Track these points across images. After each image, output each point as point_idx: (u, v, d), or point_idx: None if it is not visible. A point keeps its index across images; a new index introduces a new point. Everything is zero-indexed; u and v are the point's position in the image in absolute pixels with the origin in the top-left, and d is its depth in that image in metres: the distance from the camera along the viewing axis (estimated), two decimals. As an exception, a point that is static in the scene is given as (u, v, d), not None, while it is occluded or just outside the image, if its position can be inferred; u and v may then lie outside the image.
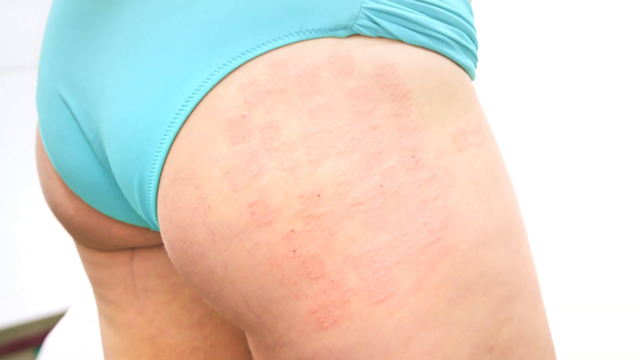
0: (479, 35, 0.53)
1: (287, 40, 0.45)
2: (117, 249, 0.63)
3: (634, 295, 0.86)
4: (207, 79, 0.46)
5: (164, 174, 0.47)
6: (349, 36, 0.46)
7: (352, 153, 0.44)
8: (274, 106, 0.45)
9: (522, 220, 0.50)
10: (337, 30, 0.45)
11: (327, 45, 0.45)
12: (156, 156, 0.47)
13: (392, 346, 0.44)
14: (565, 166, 1.03)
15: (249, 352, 0.66)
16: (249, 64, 0.45)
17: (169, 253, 0.49)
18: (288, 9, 0.45)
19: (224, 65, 0.45)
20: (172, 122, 0.47)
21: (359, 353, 0.44)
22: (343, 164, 0.44)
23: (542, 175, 1.02)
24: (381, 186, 0.44)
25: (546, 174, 1.02)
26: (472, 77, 0.51)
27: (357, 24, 0.45)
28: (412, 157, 0.45)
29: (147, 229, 0.61)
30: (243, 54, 0.45)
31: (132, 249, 0.63)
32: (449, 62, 0.48)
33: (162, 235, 0.49)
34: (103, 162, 0.54)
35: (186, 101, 0.46)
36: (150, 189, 0.49)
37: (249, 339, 0.49)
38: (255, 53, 0.45)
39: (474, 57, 0.51)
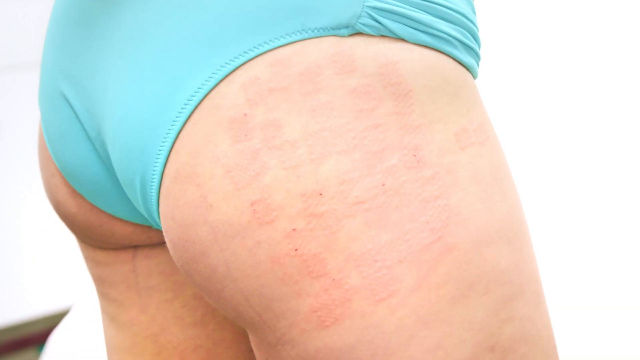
0: (481, 34, 0.53)
1: (289, 39, 0.45)
2: (119, 247, 0.64)
3: (636, 295, 0.86)
4: (209, 77, 0.46)
5: (166, 172, 0.47)
6: (351, 35, 0.46)
7: (354, 151, 0.44)
8: (276, 105, 0.45)
9: (524, 219, 0.50)
10: (340, 29, 0.45)
11: (329, 44, 0.45)
12: (158, 154, 0.48)
13: (393, 345, 0.44)
14: (567, 166, 1.03)
15: (251, 350, 0.66)
16: (251, 62, 0.45)
17: (171, 251, 0.49)
18: (290, 7, 0.45)
19: (225, 64, 0.45)
20: (174, 121, 0.47)
21: (361, 352, 0.44)
22: (345, 163, 0.44)
23: (544, 174, 1.02)
24: (383, 185, 0.44)
25: (548, 174, 1.02)
26: (474, 76, 0.51)
27: (360, 23, 0.45)
28: (414, 155, 0.45)
29: (149, 227, 0.61)
30: (245, 52, 0.45)
31: (135, 247, 0.64)
32: (451, 60, 0.48)
33: (164, 234, 0.49)
34: (105, 160, 0.54)
35: (188, 100, 0.46)
36: (153, 187, 0.49)
37: (251, 338, 0.49)
38: (257, 52, 0.45)
39: (477, 56, 0.51)
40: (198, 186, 0.45)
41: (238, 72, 0.45)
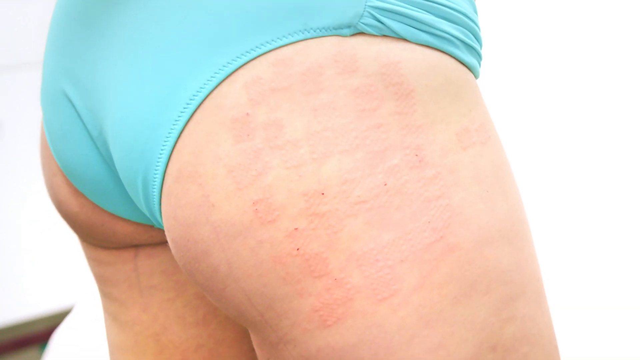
0: (483, 34, 0.53)
1: (291, 39, 0.45)
2: (121, 247, 0.64)
3: (637, 294, 0.86)
4: (211, 77, 0.46)
5: (168, 171, 0.48)
6: (353, 35, 0.46)
7: (356, 151, 0.44)
8: (278, 104, 0.45)
9: (526, 219, 0.50)
10: (342, 28, 0.45)
11: (331, 44, 0.45)
12: (160, 154, 0.48)
13: (395, 344, 0.44)
14: (569, 165, 1.03)
15: (253, 349, 0.66)
16: (253, 62, 0.45)
17: (173, 251, 0.49)
18: (292, 7, 0.45)
19: (227, 63, 0.46)
20: (176, 120, 0.47)
21: (362, 351, 0.44)
22: (347, 162, 0.44)
23: (545, 174, 1.02)
24: (385, 184, 0.44)
25: (549, 173, 1.02)
26: (476, 76, 0.51)
27: (362, 23, 0.46)
28: (416, 155, 0.45)
29: (151, 226, 0.61)
30: (247, 52, 0.45)
31: (136, 246, 0.64)
32: (453, 60, 0.48)
33: (166, 233, 0.49)
34: (107, 160, 0.54)
35: (190, 99, 0.46)
36: (154, 186, 0.49)
37: (253, 337, 0.50)
38: (259, 51, 0.45)
39: (479, 56, 0.51)
40: (200, 186, 0.45)
41: (240, 71, 0.45)
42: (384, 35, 0.46)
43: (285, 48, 0.45)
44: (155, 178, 0.48)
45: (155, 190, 0.49)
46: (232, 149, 0.45)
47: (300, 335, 0.45)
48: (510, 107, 1.11)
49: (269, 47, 0.45)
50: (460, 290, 0.45)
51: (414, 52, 0.46)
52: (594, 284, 0.88)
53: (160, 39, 0.47)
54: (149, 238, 0.62)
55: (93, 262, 0.66)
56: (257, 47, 0.45)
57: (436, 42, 0.47)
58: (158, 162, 0.48)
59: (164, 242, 0.63)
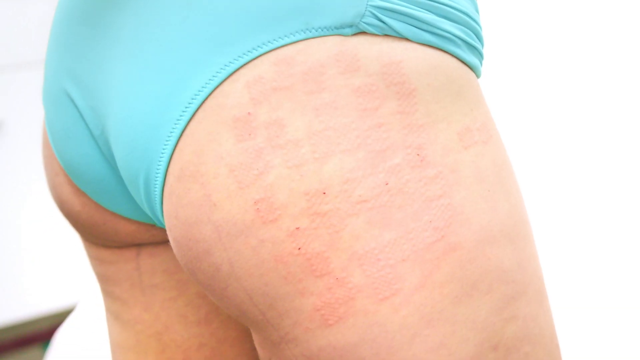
0: (484, 34, 0.53)
1: (292, 38, 0.45)
2: (123, 246, 0.64)
3: (638, 294, 0.85)
4: (213, 76, 0.46)
5: (169, 171, 0.48)
6: (354, 34, 0.46)
7: (358, 151, 0.44)
8: (280, 104, 0.45)
9: (527, 218, 0.50)
10: (343, 28, 0.46)
11: (333, 43, 0.45)
12: (162, 153, 0.48)
13: (396, 343, 0.44)
14: (570, 165, 1.02)
15: (255, 348, 0.66)
16: (255, 61, 0.45)
17: (175, 250, 0.49)
18: (293, 7, 0.45)
19: (229, 63, 0.46)
20: (178, 120, 0.47)
21: (364, 350, 0.44)
22: (349, 162, 0.44)
23: (547, 173, 1.02)
24: (386, 184, 0.44)
25: (551, 173, 1.02)
26: (478, 75, 0.51)
27: (363, 22, 0.46)
28: (418, 154, 0.45)
29: (153, 225, 0.61)
30: (249, 51, 0.45)
31: (138, 245, 0.64)
32: (455, 60, 0.48)
33: (168, 232, 0.49)
34: (109, 159, 0.55)
35: (192, 99, 0.46)
36: (156, 185, 0.49)
37: (254, 336, 0.50)
38: (261, 51, 0.45)
39: (480, 55, 0.51)
40: (202, 185, 0.46)
41: (242, 71, 0.45)
42: (386, 35, 0.46)
43: (286, 47, 0.45)
44: (157, 177, 0.49)
45: (157, 189, 0.49)
46: (234, 149, 0.45)
47: (302, 334, 0.45)
48: (511, 107, 1.11)
49: (270, 46, 0.45)
50: (462, 289, 0.45)
51: (416, 52, 0.46)
52: (595, 283, 0.88)
53: (162, 38, 0.47)
54: (150, 237, 0.62)
55: (95, 261, 0.66)
56: (258, 46, 0.45)
57: (438, 42, 0.47)
58: (160, 161, 0.48)
59: (165, 241, 0.63)
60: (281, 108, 0.45)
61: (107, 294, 0.67)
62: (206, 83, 0.46)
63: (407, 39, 0.46)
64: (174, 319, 0.65)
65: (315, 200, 0.44)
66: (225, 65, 0.46)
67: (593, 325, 0.83)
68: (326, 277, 0.44)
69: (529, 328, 0.47)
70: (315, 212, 0.44)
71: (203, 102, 0.46)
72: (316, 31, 0.45)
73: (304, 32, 0.45)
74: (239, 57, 0.45)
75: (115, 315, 0.66)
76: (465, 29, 0.49)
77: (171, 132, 0.47)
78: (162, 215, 0.50)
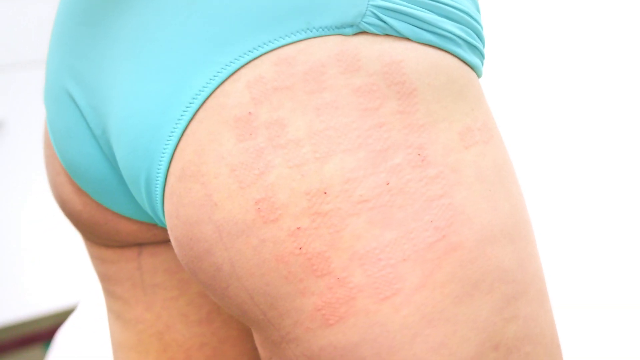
0: (485, 33, 0.53)
1: (293, 38, 0.45)
2: (124, 245, 0.64)
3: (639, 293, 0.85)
4: (214, 76, 0.46)
5: (170, 170, 0.48)
6: (355, 34, 0.46)
7: (359, 150, 0.44)
8: (281, 103, 0.45)
9: (528, 218, 0.50)
10: (344, 27, 0.46)
11: (333, 43, 0.45)
12: (163, 153, 0.48)
13: (397, 343, 0.44)
14: (571, 165, 1.02)
15: (257, 348, 0.66)
16: (256, 61, 0.45)
17: (176, 250, 0.49)
18: (294, 6, 0.45)
19: (230, 62, 0.46)
20: (179, 119, 0.47)
21: (365, 350, 0.44)
22: (349, 162, 0.44)
23: (548, 173, 1.02)
24: (387, 183, 0.44)
25: (552, 173, 1.02)
26: (479, 75, 0.51)
27: (364, 22, 0.46)
28: (419, 154, 0.45)
29: (154, 225, 0.61)
30: (250, 51, 0.45)
31: (140, 245, 0.64)
32: (456, 60, 0.48)
33: (169, 232, 0.49)
34: (110, 159, 0.55)
35: (193, 98, 0.46)
36: (157, 185, 0.49)
37: (255, 336, 0.50)
38: (262, 51, 0.45)
39: (481, 55, 0.51)
40: (203, 185, 0.46)
41: (243, 70, 0.45)
42: (387, 35, 0.46)
43: (287, 47, 0.45)
44: (158, 177, 0.49)
45: (158, 189, 0.49)
46: (235, 148, 0.45)
47: (303, 334, 0.45)
48: (512, 106, 1.11)
49: (271, 46, 0.45)
50: (463, 289, 0.45)
51: (417, 51, 0.46)
52: (596, 283, 0.88)
53: (163, 38, 0.47)
54: (152, 236, 0.62)
55: (96, 260, 0.67)
56: (259, 46, 0.45)
57: (439, 41, 0.47)
58: (161, 161, 0.48)
59: (167, 241, 0.63)
60: (282, 108, 0.45)
61: (109, 293, 0.67)
62: (207, 83, 0.46)
63: (408, 39, 0.46)
64: (175, 318, 0.65)
65: (316, 200, 0.44)
66: (226, 65, 0.46)
67: (594, 325, 0.83)
68: (327, 276, 0.44)
69: (529, 328, 0.47)
70: (316, 212, 0.44)
71: (204, 101, 0.46)
72: (317, 31, 0.45)
73: (305, 32, 0.45)
74: (240, 56, 0.45)
75: (116, 314, 0.66)
76: (467, 29, 0.49)
77: (172, 132, 0.47)
78: (163, 214, 0.50)
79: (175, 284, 0.64)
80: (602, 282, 0.88)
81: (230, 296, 0.47)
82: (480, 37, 0.50)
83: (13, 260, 1.74)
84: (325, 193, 0.44)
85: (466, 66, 0.49)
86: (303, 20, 0.45)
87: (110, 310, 0.68)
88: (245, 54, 0.45)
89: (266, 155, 0.44)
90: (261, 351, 0.50)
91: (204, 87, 0.46)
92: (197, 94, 0.46)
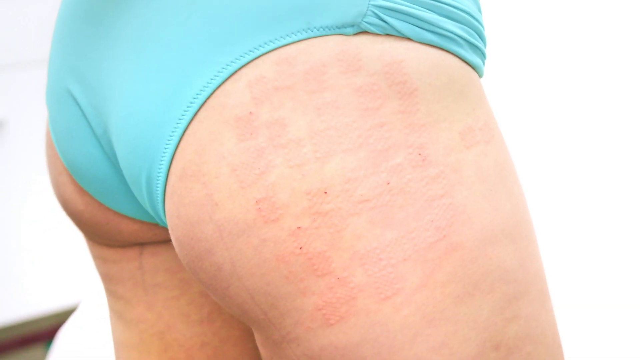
0: (487, 33, 0.53)
1: (294, 38, 0.45)
2: (126, 245, 0.64)
3: (642, 294, 0.85)
4: (215, 76, 0.46)
5: (171, 170, 0.48)
6: (356, 34, 0.46)
7: (360, 150, 0.44)
8: (282, 103, 0.45)
9: (529, 218, 0.50)
10: (345, 27, 0.46)
11: (334, 43, 0.45)
12: (164, 152, 0.48)
13: (398, 343, 0.44)
14: (572, 165, 1.02)
15: (258, 348, 0.66)
16: (257, 61, 0.45)
17: (177, 249, 0.49)
18: (295, 6, 0.45)
19: (231, 62, 0.46)
20: (180, 119, 0.47)
21: (365, 349, 0.44)
22: (350, 161, 0.44)
23: (549, 173, 1.02)
24: (388, 183, 0.44)
25: (553, 172, 1.02)
26: (480, 75, 0.51)
27: (365, 22, 0.46)
28: (420, 154, 0.45)
29: (156, 224, 0.61)
30: (250, 51, 0.45)
31: (141, 244, 0.64)
32: (457, 59, 0.48)
33: (170, 232, 0.49)
34: (111, 158, 0.55)
35: (194, 98, 0.46)
36: (158, 185, 0.49)
37: (256, 335, 0.50)
38: (263, 50, 0.45)
39: (482, 55, 0.51)
40: (204, 184, 0.46)
41: (243, 70, 0.46)
42: (388, 34, 0.46)
43: (288, 47, 0.45)
44: (159, 176, 0.49)
45: (159, 188, 0.49)
46: (236, 148, 0.45)
47: (304, 333, 0.45)
48: (514, 106, 1.11)
49: (272, 46, 0.45)
50: (464, 289, 0.45)
51: (418, 51, 0.46)
52: (598, 283, 0.88)
53: (164, 38, 0.47)
54: (153, 236, 0.62)
55: (98, 260, 0.67)
56: (260, 46, 0.45)
57: (440, 41, 0.47)
58: (162, 160, 0.48)
59: (168, 240, 0.63)
60: (283, 107, 0.45)
61: (110, 293, 0.67)
62: (208, 82, 0.46)
63: (409, 39, 0.46)
64: (176, 318, 0.65)
65: (317, 200, 0.44)
66: (227, 65, 0.46)
67: (595, 325, 0.83)
68: (327, 276, 0.44)
69: (530, 328, 0.47)
70: (317, 212, 0.44)
71: (205, 101, 0.46)
72: (318, 31, 0.45)
73: (306, 32, 0.45)
74: (241, 56, 0.45)
75: (118, 314, 0.67)
76: (468, 29, 0.49)
77: (173, 132, 0.47)
78: (165, 214, 0.50)
79: (177, 283, 0.64)
80: (604, 282, 0.88)
81: (231, 296, 0.47)
82: (481, 36, 0.50)
83: (14, 260, 1.74)
84: (325, 193, 0.44)
85: (467, 66, 0.49)
86: (304, 20, 0.45)
87: (112, 309, 0.68)
88: (246, 53, 0.45)
89: (267, 155, 0.44)
90: (262, 351, 0.50)
91: (204, 86, 0.46)
92: (197, 94, 0.46)
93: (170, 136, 0.47)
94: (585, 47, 1.15)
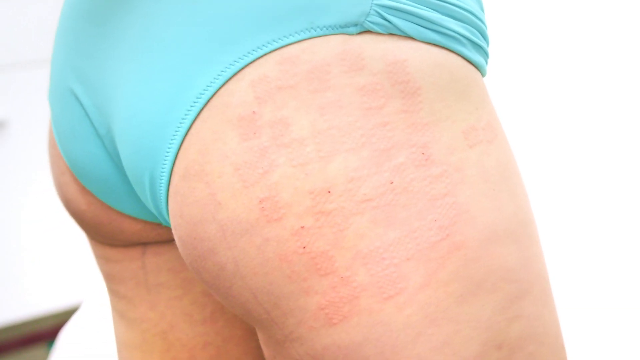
0: (490, 32, 0.53)
1: (297, 37, 0.45)
2: (129, 244, 0.64)
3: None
4: (218, 75, 0.46)
5: (174, 170, 0.48)
6: (359, 33, 0.46)
7: (362, 149, 0.44)
8: (285, 102, 0.45)
9: (532, 217, 0.50)
10: (348, 27, 0.46)
11: (337, 42, 0.45)
12: (167, 152, 0.48)
13: (401, 342, 0.44)
14: (575, 165, 1.02)
15: (261, 347, 0.66)
16: (260, 60, 0.45)
17: (180, 249, 0.49)
18: (298, 6, 0.45)
19: (234, 62, 0.46)
20: (183, 119, 0.47)
21: (368, 349, 0.44)
22: (353, 161, 0.44)
23: (552, 173, 1.02)
24: (391, 182, 0.44)
25: (556, 172, 1.02)
26: (483, 74, 0.51)
27: (368, 21, 0.46)
28: (423, 153, 0.45)
29: (159, 224, 0.61)
30: (254, 50, 0.45)
31: (144, 244, 0.64)
32: (459, 59, 0.48)
33: (173, 231, 0.49)
34: (114, 158, 0.55)
35: (197, 98, 0.46)
36: (161, 184, 0.49)
37: (259, 335, 0.50)
38: (266, 50, 0.45)
39: (485, 54, 0.51)
40: (207, 184, 0.46)
41: (246, 70, 0.46)
42: (391, 34, 0.46)
43: (291, 46, 0.45)
44: (162, 176, 0.49)
45: (162, 188, 0.49)
46: (239, 147, 0.45)
47: (306, 333, 0.45)
48: (517, 106, 1.11)
49: (275, 45, 0.45)
50: (466, 288, 0.45)
51: (421, 51, 0.46)
52: (600, 283, 0.88)
53: (167, 37, 0.47)
54: (156, 236, 0.62)
55: (101, 259, 0.67)
56: (263, 45, 0.45)
57: (443, 41, 0.47)
58: (165, 160, 0.48)
59: (171, 240, 0.63)
60: (286, 107, 0.45)
61: (113, 292, 0.67)
62: (211, 82, 0.46)
63: (411, 38, 0.46)
64: (179, 317, 0.65)
65: (320, 199, 0.44)
66: (230, 64, 0.46)
67: (598, 325, 0.83)
68: (330, 276, 0.44)
69: (533, 327, 0.47)
70: (320, 211, 0.44)
71: (208, 101, 0.46)
72: (320, 30, 0.45)
73: (309, 31, 0.45)
74: (244, 56, 0.45)
75: (120, 313, 0.67)
76: (471, 28, 0.49)
77: (176, 131, 0.47)
78: (168, 214, 0.50)
79: (179, 283, 0.64)
80: (607, 283, 0.88)
81: (234, 295, 0.47)
82: (484, 36, 0.50)
83: (16, 260, 1.74)
84: (329, 192, 0.44)
85: (470, 65, 0.49)
86: (306, 19, 0.45)
87: (114, 309, 0.68)
88: (249, 53, 0.45)
89: (270, 154, 0.44)
90: (265, 350, 0.50)
91: (207, 86, 0.46)
92: (201, 94, 0.46)
93: (174, 136, 0.47)
94: (588, 47, 1.15)
